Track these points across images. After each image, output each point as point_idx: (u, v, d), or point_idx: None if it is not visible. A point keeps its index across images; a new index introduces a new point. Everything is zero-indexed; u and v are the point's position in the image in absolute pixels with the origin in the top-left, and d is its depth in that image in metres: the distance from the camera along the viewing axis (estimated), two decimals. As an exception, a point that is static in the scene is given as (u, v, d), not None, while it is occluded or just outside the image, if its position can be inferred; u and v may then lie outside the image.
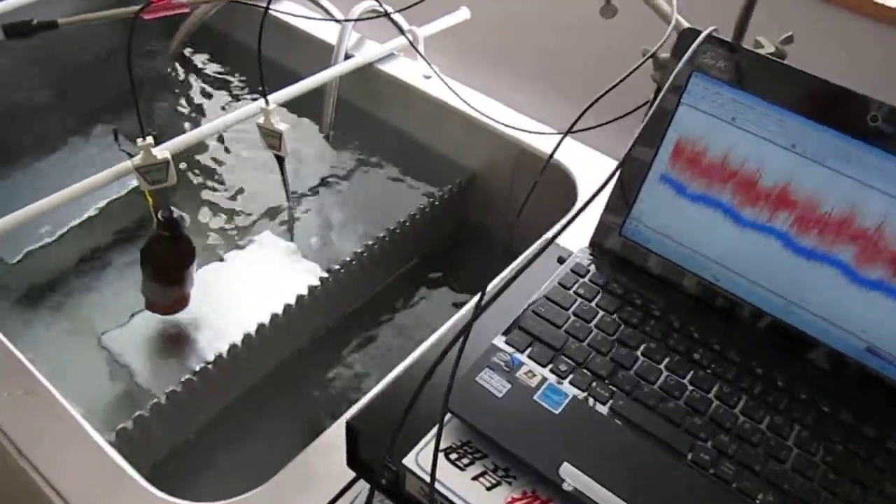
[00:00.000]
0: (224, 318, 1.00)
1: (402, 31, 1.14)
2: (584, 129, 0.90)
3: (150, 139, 0.89)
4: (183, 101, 1.34)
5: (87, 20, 0.90)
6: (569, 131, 0.72)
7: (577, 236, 0.70)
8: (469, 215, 1.18)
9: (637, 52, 0.79)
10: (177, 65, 1.41)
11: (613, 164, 0.67)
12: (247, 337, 0.89)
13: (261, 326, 0.91)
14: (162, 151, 0.91)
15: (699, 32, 0.65)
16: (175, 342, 1.01)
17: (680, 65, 0.65)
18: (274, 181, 1.15)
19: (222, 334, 0.97)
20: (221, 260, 1.09)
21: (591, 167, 0.99)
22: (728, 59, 0.65)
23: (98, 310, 1.04)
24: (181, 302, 1.00)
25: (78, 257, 1.10)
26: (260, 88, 0.94)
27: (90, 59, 1.39)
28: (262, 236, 1.10)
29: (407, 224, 1.05)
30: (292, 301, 0.94)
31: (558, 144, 0.69)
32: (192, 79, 1.39)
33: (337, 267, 0.97)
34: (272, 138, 0.96)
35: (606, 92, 0.69)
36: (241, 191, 1.18)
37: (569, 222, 0.62)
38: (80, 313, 1.04)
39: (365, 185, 1.17)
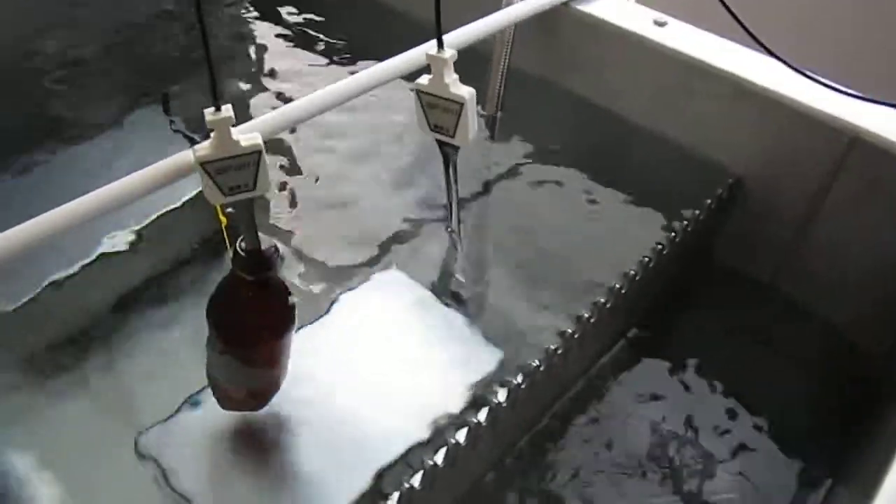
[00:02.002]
0: (342, 424, 0.58)
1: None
2: None
3: (227, 109, 0.48)
4: (263, 66, 0.92)
5: None
6: None
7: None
8: (718, 252, 0.73)
9: None
10: (250, 16, 1.00)
11: None
12: (406, 493, 0.47)
13: (430, 470, 0.48)
14: (250, 135, 0.50)
15: None
16: (256, 456, 0.59)
17: None
18: (393, 191, 0.73)
19: (340, 456, 0.56)
20: (325, 314, 0.67)
21: None
22: None
23: (137, 388, 0.63)
24: (267, 391, 0.59)
25: (108, 303, 0.69)
26: (434, 36, 0.52)
27: (134, 17, 1.00)
28: (390, 278, 0.68)
29: (639, 274, 0.62)
30: (472, 419, 0.52)
31: None
32: (274, 34, 0.97)
33: (535, 364, 0.55)
34: (443, 112, 0.53)
35: None
36: (345, 205, 0.75)
37: None
38: (110, 393, 0.63)
39: (552, 198, 0.73)
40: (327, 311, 0.65)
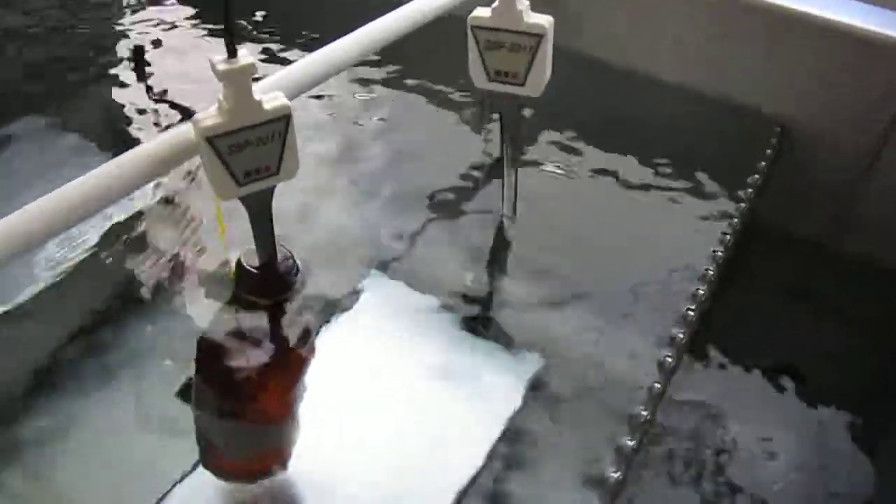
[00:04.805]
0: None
1: None
2: None
3: (246, 55, 0.34)
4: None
5: None
6: None
7: None
8: (763, 212, 0.65)
9: None
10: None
11: None
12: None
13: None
14: (272, 94, 0.36)
15: None
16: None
17: None
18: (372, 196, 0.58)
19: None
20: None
21: None
22: None
23: (89, 467, 0.43)
24: (279, 456, 0.43)
25: (49, 346, 0.48)
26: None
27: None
28: (388, 291, 0.51)
29: (715, 273, 0.50)
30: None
31: None
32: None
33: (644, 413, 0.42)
34: (509, 53, 0.41)
35: None
36: (313, 214, 0.57)
37: None
38: (55, 471, 0.43)
39: (572, 182, 0.60)
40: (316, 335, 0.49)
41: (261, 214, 0.39)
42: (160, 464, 0.39)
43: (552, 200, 0.56)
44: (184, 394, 0.42)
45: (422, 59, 0.66)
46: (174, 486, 0.38)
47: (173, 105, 0.36)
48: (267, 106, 0.34)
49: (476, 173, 0.58)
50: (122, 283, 0.48)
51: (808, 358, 0.65)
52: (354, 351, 0.45)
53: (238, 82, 0.33)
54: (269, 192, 0.38)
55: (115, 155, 0.36)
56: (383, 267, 0.49)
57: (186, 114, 0.35)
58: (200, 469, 0.39)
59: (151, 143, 0.35)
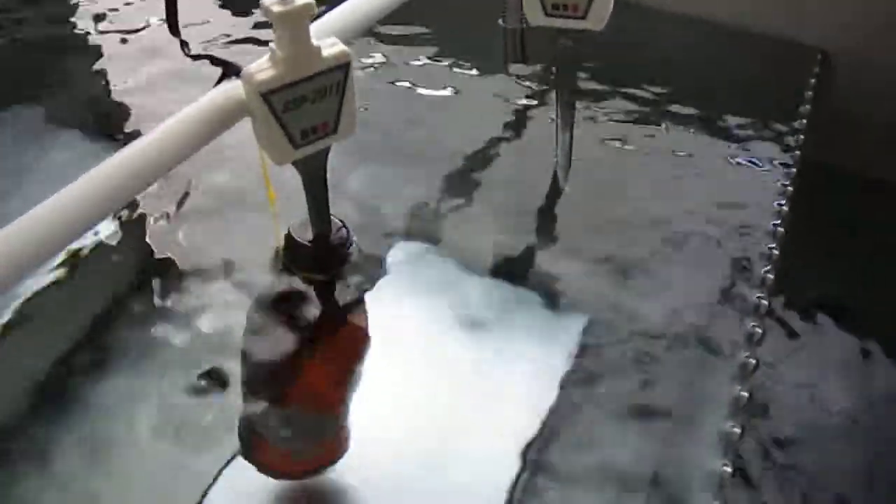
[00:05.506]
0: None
1: None
2: None
3: None
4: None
5: None
6: None
7: None
8: (805, 149, 0.61)
9: None
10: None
11: None
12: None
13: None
14: (331, 42, 0.31)
15: None
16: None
17: None
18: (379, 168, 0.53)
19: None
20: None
21: None
22: None
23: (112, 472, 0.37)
24: (338, 445, 0.38)
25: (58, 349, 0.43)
26: None
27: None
28: (414, 254, 0.47)
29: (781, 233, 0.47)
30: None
31: None
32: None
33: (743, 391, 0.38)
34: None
35: None
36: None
37: None
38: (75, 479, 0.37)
39: (601, 134, 0.56)
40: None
41: (316, 180, 0.35)
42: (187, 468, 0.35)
43: (597, 149, 0.52)
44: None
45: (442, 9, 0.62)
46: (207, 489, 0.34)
47: (215, 61, 0.31)
48: (325, 53, 0.30)
49: (508, 132, 0.54)
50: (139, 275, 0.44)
51: (857, 294, 0.63)
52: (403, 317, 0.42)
53: (295, 26, 0.29)
54: (325, 154, 0.34)
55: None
56: (423, 228, 0.45)
57: (231, 70, 0.30)
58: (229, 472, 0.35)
59: (191, 108, 0.31)
